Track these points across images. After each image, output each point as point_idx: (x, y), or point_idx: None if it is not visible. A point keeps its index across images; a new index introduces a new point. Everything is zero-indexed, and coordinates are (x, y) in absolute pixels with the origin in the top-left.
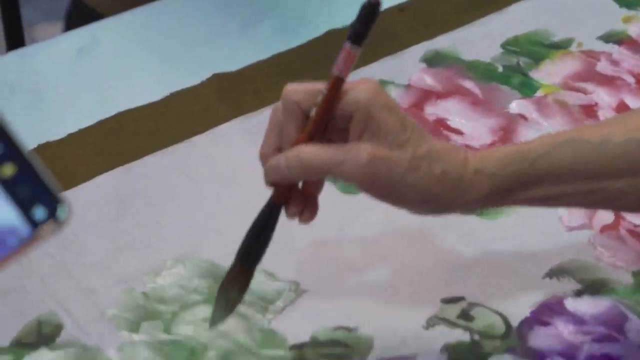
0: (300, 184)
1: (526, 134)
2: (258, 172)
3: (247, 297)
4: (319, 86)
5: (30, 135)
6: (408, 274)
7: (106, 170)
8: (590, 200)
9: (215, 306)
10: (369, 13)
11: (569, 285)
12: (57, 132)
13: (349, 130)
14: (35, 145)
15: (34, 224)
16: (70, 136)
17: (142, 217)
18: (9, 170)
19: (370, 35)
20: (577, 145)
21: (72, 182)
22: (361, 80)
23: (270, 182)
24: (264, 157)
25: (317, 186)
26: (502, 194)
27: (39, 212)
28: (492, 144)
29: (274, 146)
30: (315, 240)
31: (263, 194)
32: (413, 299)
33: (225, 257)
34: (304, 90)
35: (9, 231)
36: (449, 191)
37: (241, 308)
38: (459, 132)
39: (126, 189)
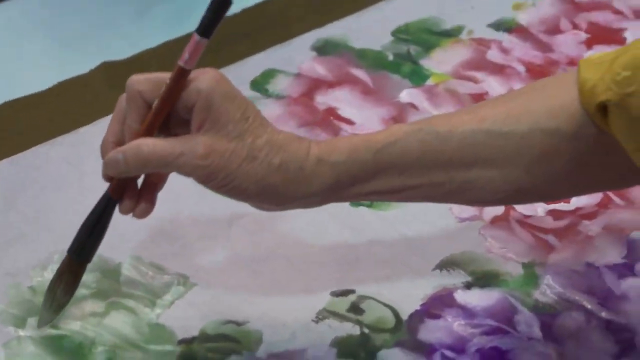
0: (141, 178)
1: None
2: None
3: (135, 291)
4: (165, 76)
5: None
6: (298, 267)
7: None
8: (440, 193)
9: (43, 305)
10: (219, 6)
11: (459, 277)
12: None
13: (191, 121)
14: None
15: None
16: None
17: (30, 210)
18: None
19: (218, 28)
20: (424, 134)
21: None
22: (204, 69)
23: (107, 177)
24: (104, 147)
25: (160, 180)
26: (346, 185)
27: None
28: None
29: (116, 137)
30: (205, 234)
31: None
32: (303, 292)
33: (114, 250)
34: (148, 80)
35: None
36: (289, 182)
37: (129, 302)
38: (349, 122)
39: (13, 181)
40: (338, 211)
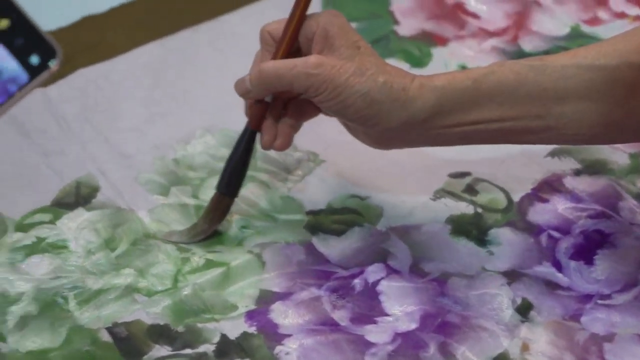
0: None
1: (540, 20)
2: None
3: (269, 166)
4: None
5: (75, 8)
6: (419, 149)
7: (143, 44)
8: (540, 126)
9: (189, 230)
10: None
11: (569, 164)
12: (101, 6)
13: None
14: (79, 18)
15: (31, 70)
16: (113, 10)
17: (175, 89)
18: (4, 23)
19: None
20: (519, 66)
21: (112, 53)
22: (325, 10)
23: (241, 95)
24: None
25: (296, 118)
26: (447, 112)
27: (34, 60)
28: (506, 29)
29: None
30: None
31: None
32: (422, 173)
33: None
34: (276, 22)
35: (9, 79)
36: (392, 101)
37: (264, 176)
38: (475, 16)
39: (160, 62)
40: None
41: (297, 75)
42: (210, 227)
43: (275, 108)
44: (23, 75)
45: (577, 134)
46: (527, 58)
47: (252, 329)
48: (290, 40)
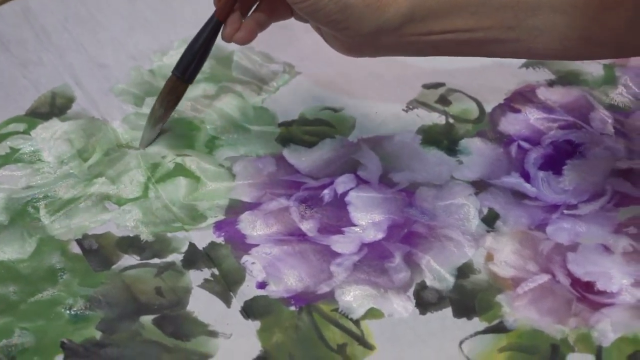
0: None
1: None
2: None
3: (244, 77)
4: None
5: None
6: (395, 59)
7: None
8: (511, 37)
9: (146, 125)
10: None
11: (543, 75)
12: None
13: None
14: None
15: None
16: None
17: (157, 0)
18: None
19: None
20: None
21: None
22: None
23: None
24: None
25: (267, 14)
26: (420, 18)
27: None
28: None
29: None
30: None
31: None
32: (397, 84)
33: None
34: None
35: None
36: (365, 6)
37: (238, 87)
38: None
39: None
40: None
41: None
42: (165, 112)
43: (245, 2)
44: None
45: (548, 48)
46: None
47: (220, 239)
48: None
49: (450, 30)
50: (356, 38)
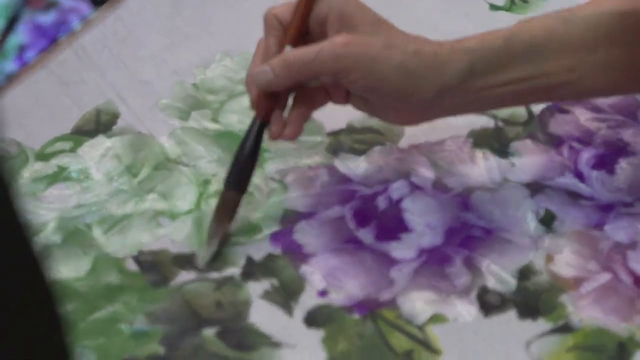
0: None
1: None
2: None
3: None
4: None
5: None
6: None
7: None
8: (574, 77)
9: (206, 239)
10: None
11: None
12: None
13: (327, 34)
14: None
15: None
16: None
17: (195, 14)
18: None
19: None
20: (548, 19)
21: None
22: None
23: (257, 90)
24: (248, 81)
25: (307, 109)
26: (480, 73)
27: None
28: None
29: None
30: None
31: None
32: None
33: None
34: (283, 5)
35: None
36: (425, 68)
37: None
38: None
39: None
40: (478, 14)
41: (324, 59)
42: (220, 226)
43: (282, 98)
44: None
45: (611, 82)
46: (554, 11)
47: (277, 251)
48: (301, 22)
49: (511, 82)
50: (418, 104)
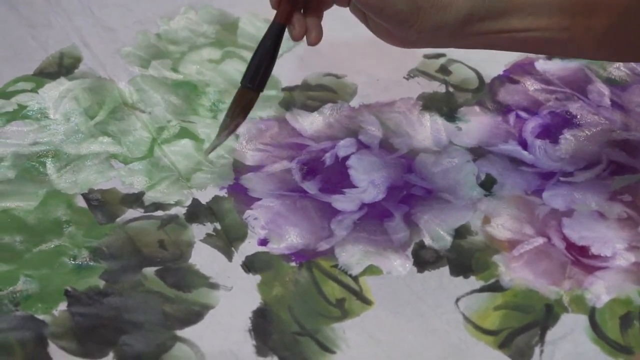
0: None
1: None
2: None
3: (249, 42)
4: None
5: None
6: None
7: None
8: (564, 37)
9: (219, 131)
10: None
11: None
12: None
13: None
14: None
15: None
16: None
17: None
18: None
19: None
20: None
21: None
22: None
23: (275, 3)
24: None
25: (320, 10)
26: (478, 19)
27: None
28: None
29: None
30: None
31: None
32: (399, 53)
33: (235, 7)
34: None
35: None
36: (430, 6)
37: (243, 52)
38: None
39: None
40: None
41: None
42: (234, 121)
43: (300, 1)
44: None
45: (600, 48)
46: None
47: (223, 192)
48: None
49: (506, 30)
50: (415, 35)
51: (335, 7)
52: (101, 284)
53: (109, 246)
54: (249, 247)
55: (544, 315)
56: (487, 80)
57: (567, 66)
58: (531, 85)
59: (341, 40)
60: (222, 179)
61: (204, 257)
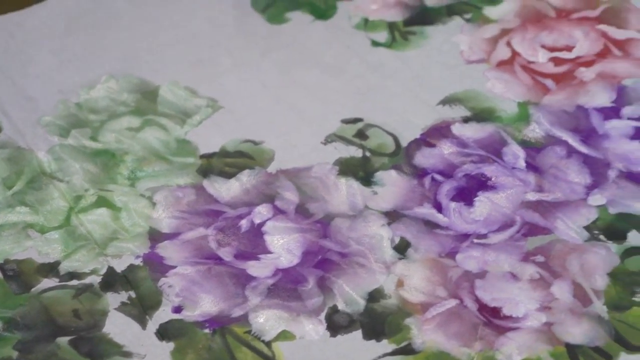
0: None
1: None
2: None
3: (169, 110)
4: None
5: None
6: (316, 96)
7: None
8: None
9: None
10: None
11: (459, 112)
12: None
13: None
14: None
15: None
16: None
17: (87, 36)
18: None
19: None
20: None
21: (27, 2)
22: None
23: None
24: None
25: None
26: None
27: None
28: None
29: None
30: (237, 63)
31: (199, 12)
32: (317, 119)
33: (156, 75)
34: None
35: None
36: None
37: (162, 120)
38: None
39: (75, 10)
40: (359, 48)
41: None
42: None
43: None
44: None
45: None
46: None
47: (138, 261)
48: None
49: None
50: None
51: (254, 72)
52: (14, 354)
53: (23, 316)
54: (163, 314)
55: None
56: (404, 144)
57: (483, 128)
58: (447, 148)
59: (259, 106)
60: (137, 247)
61: (118, 326)
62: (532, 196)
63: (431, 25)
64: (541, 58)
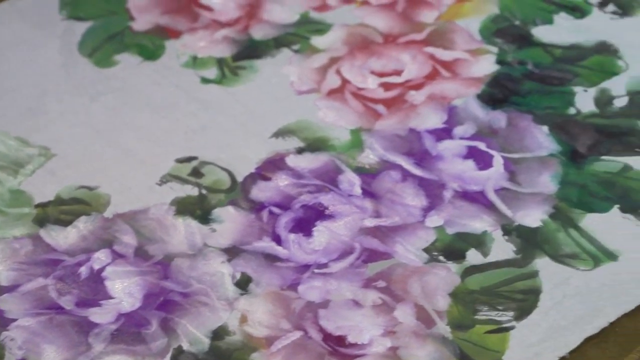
0: None
1: (271, 9)
2: None
3: (1, 162)
4: None
5: None
6: (149, 138)
7: None
8: None
9: None
10: None
11: (293, 143)
12: None
13: None
14: None
15: None
16: None
17: None
18: None
19: None
20: None
21: None
22: None
23: None
24: None
25: None
26: None
27: None
28: (238, 19)
29: None
30: (67, 110)
31: (25, 61)
32: (151, 160)
33: None
34: None
35: None
36: None
37: None
38: (208, 9)
39: None
40: (189, 86)
41: None
42: None
43: None
44: None
45: None
46: None
47: None
48: None
49: None
50: None
51: (84, 117)
52: None
53: None
54: None
55: None
56: (240, 179)
57: (318, 158)
58: (283, 180)
59: (92, 151)
60: None
61: None
62: (370, 222)
63: (260, 58)
64: (371, 84)
